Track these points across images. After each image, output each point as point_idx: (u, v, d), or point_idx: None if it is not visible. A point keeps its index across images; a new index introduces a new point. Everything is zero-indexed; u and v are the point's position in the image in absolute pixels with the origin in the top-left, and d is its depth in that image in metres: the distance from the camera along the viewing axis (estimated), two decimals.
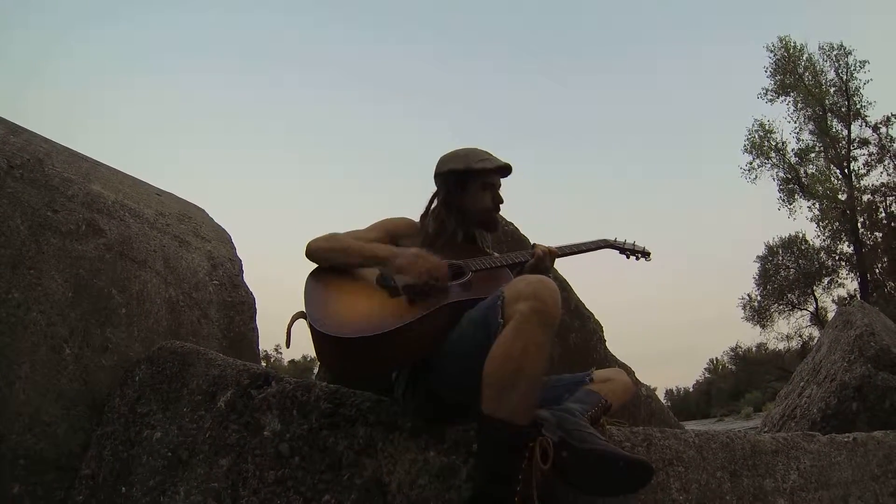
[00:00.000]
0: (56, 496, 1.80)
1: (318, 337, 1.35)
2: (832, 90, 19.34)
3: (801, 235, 21.35)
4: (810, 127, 19.67)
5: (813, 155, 19.85)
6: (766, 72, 20.07)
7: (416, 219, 1.77)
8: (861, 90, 19.00)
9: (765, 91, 20.00)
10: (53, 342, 1.90)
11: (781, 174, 20.03)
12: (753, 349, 27.30)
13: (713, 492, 1.65)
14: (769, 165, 20.08)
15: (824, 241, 20.33)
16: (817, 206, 19.40)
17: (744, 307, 22.13)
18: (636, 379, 2.93)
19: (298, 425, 1.57)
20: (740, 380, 28.86)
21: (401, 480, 1.44)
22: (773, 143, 20.00)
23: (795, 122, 19.91)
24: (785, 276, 21.69)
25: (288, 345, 1.42)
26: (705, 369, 38.21)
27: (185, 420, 1.73)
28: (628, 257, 2.02)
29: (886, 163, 19.09)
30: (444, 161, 1.75)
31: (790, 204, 19.99)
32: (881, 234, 19.27)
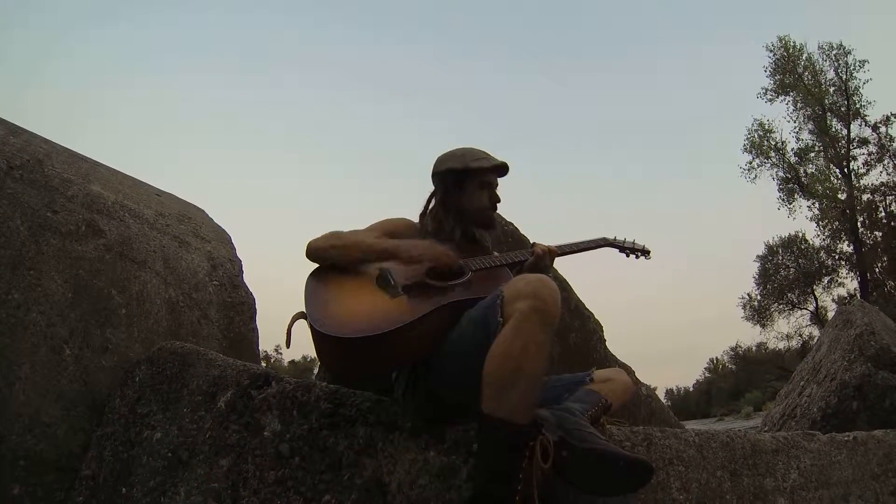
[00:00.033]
0: (56, 497, 1.80)
1: (319, 337, 1.35)
2: (832, 90, 19.34)
3: (800, 235, 21.40)
4: (810, 126, 19.69)
5: (812, 154, 19.86)
6: (765, 71, 20.10)
7: (415, 219, 1.78)
8: (860, 89, 19.03)
9: (764, 91, 20.02)
10: (53, 343, 1.90)
11: (781, 174, 20.04)
12: (753, 349, 27.33)
13: (713, 491, 1.65)
14: (769, 165, 20.10)
15: (824, 240, 20.37)
16: (817, 205, 19.41)
17: (744, 307, 22.15)
18: (636, 378, 2.93)
19: (298, 425, 1.57)
20: (740, 379, 28.88)
21: (401, 480, 1.43)
22: (773, 143, 20.00)
23: (795, 122, 19.94)
24: (785, 275, 21.69)
25: (288, 345, 1.42)
26: (705, 369, 38.29)
27: (185, 420, 1.73)
28: (628, 256, 2.02)
29: (886, 162, 19.09)
30: (441, 160, 1.76)
31: (790, 203, 20.02)
32: (881, 234, 19.28)
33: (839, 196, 18.94)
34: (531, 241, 1.95)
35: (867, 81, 18.93)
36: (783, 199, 20.05)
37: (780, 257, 21.94)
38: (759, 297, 21.95)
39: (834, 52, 19.30)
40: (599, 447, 1.25)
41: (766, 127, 19.97)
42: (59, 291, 1.95)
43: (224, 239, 2.84)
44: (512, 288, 1.29)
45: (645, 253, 2.03)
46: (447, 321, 1.41)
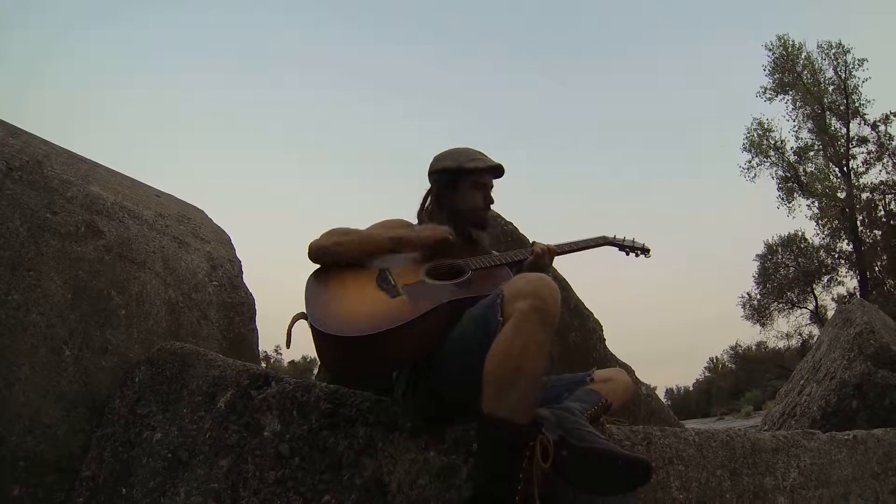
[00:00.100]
0: (56, 498, 1.80)
1: (319, 336, 1.35)
2: (831, 88, 19.32)
3: (800, 234, 21.34)
4: (809, 125, 19.67)
5: (812, 153, 19.84)
6: (764, 70, 20.08)
7: (413, 219, 1.79)
8: (860, 88, 19.00)
9: (763, 89, 20.00)
10: (53, 344, 1.90)
11: (780, 172, 20.01)
12: (753, 348, 27.25)
13: (713, 490, 1.65)
14: (768, 164, 20.06)
15: (823, 239, 20.34)
16: (816, 204, 19.39)
17: (743, 306, 22.12)
18: (636, 378, 2.93)
19: (298, 426, 1.57)
20: (740, 378, 28.85)
21: (401, 480, 1.43)
22: (772, 142, 20.00)
23: (794, 121, 19.90)
24: (784, 274, 21.67)
25: (288, 345, 1.42)
26: (705, 368, 38.22)
27: (185, 421, 1.73)
28: (628, 254, 2.02)
29: (885, 161, 19.06)
30: (437, 159, 1.79)
31: (789, 202, 19.99)
32: (880, 232, 19.26)
33: (838, 195, 18.93)
34: (531, 241, 1.95)
35: (866, 80, 18.94)
36: (782, 198, 20.05)
37: (780, 256, 21.91)
38: (758, 297, 21.93)
39: (833, 50, 19.30)
40: (599, 446, 1.25)
41: (766, 126, 19.99)
42: (58, 292, 1.95)
43: (223, 239, 2.84)
44: (512, 287, 1.29)
45: (645, 251, 2.03)
46: (447, 320, 1.41)
